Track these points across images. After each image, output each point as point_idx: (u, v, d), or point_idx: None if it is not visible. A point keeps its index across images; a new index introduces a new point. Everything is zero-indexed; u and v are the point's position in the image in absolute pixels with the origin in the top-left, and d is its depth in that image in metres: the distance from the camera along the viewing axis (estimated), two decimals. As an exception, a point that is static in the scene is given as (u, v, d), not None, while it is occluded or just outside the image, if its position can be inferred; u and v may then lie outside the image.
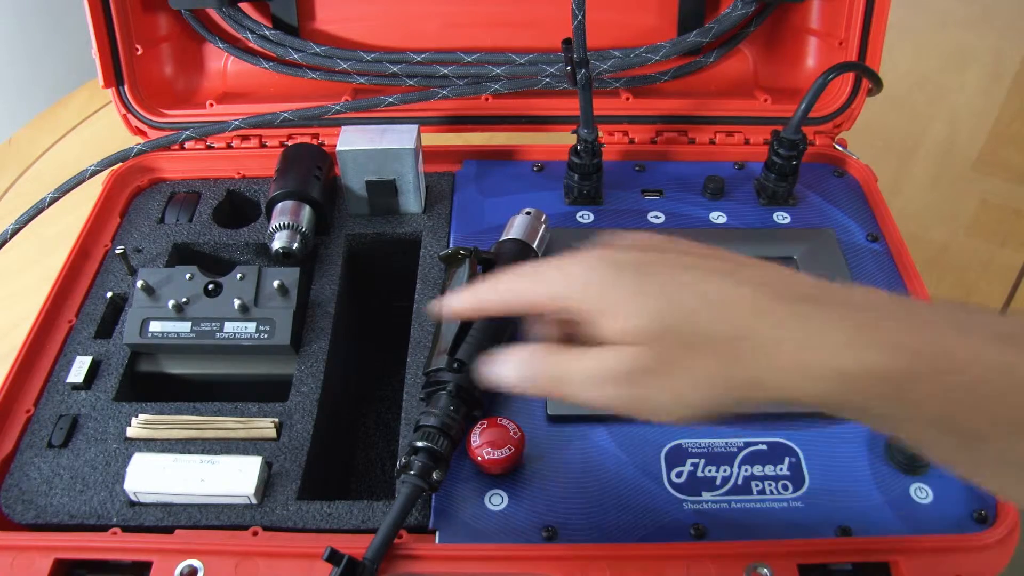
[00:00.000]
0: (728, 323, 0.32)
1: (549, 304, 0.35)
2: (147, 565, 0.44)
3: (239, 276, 0.56)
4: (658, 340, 0.32)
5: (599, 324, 0.33)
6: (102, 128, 1.00)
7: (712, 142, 0.71)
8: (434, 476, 0.45)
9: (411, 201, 0.64)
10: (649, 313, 0.32)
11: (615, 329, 0.33)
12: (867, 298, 0.32)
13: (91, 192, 0.67)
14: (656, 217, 0.64)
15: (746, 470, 0.48)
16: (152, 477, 0.48)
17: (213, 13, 0.73)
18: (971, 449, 0.31)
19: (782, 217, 0.64)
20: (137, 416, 0.52)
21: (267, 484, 0.49)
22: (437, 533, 0.46)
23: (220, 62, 0.76)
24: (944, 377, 0.29)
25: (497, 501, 0.47)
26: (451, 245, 0.62)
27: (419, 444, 0.46)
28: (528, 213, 0.59)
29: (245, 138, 0.72)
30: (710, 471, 0.48)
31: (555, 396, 0.35)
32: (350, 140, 0.62)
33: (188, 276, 0.56)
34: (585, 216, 0.64)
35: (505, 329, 0.52)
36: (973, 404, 0.29)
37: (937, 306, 0.32)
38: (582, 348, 0.34)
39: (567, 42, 0.56)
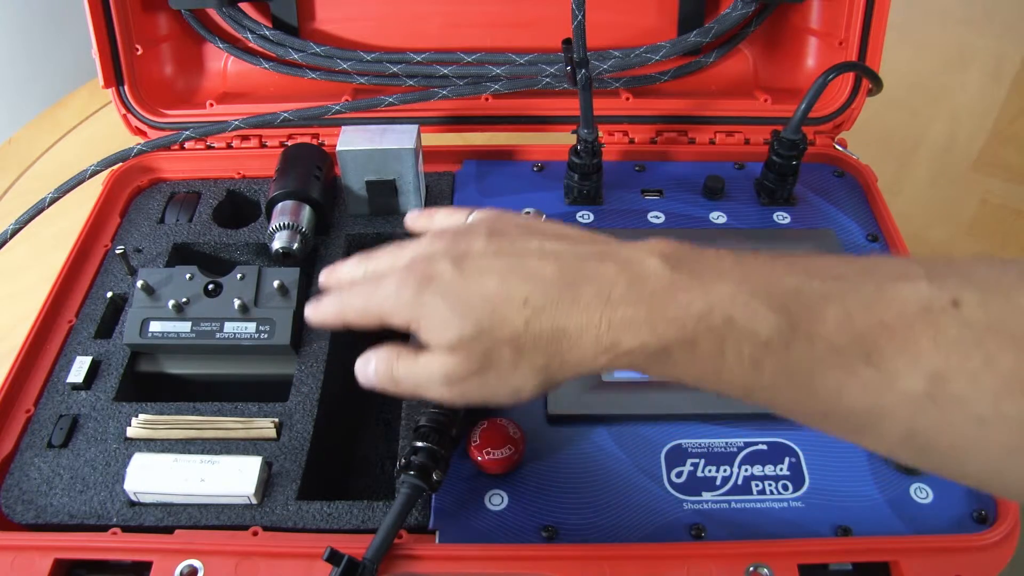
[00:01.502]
0: (545, 323, 0.36)
1: (379, 321, 0.39)
2: (147, 565, 0.44)
3: (239, 276, 0.56)
4: (471, 346, 0.37)
5: (418, 335, 0.38)
6: (102, 128, 1.00)
7: (712, 142, 0.71)
8: (434, 476, 0.45)
9: (411, 201, 0.64)
10: (457, 326, 0.37)
11: (430, 341, 0.38)
12: (660, 271, 0.36)
13: (91, 192, 0.67)
14: (656, 217, 0.64)
15: (746, 470, 0.48)
16: (152, 477, 0.48)
17: (213, 13, 0.73)
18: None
19: (782, 217, 0.64)
20: (137, 416, 0.52)
21: (267, 484, 0.49)
22: (437, 533, 0.46)
23: (220, 62, 0.76)
24: (688, 351, 0.35)
25: (497, 501, 0.47)
26: (451, 245, 0.62)
27: (419, 444, 0.46)
28: (528, 213, 0.59)
29: (245, 138, 0.72)
30: (710, 471, 0.48)
31: (405, 396, 0.40)
32: (350, 140, 0.62)
33: (188, 276, 0.56)
34: (585, 216, 0.64)
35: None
36: (714, 372, 0.35)
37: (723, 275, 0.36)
38: (420, 352, 0.39)
39: (567, 42, 0.56)
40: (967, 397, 0.30)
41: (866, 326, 0.32)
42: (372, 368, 0.41)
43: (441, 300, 0.37)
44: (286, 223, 0.59)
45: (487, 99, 0.71)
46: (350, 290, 0.41)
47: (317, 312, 0.43)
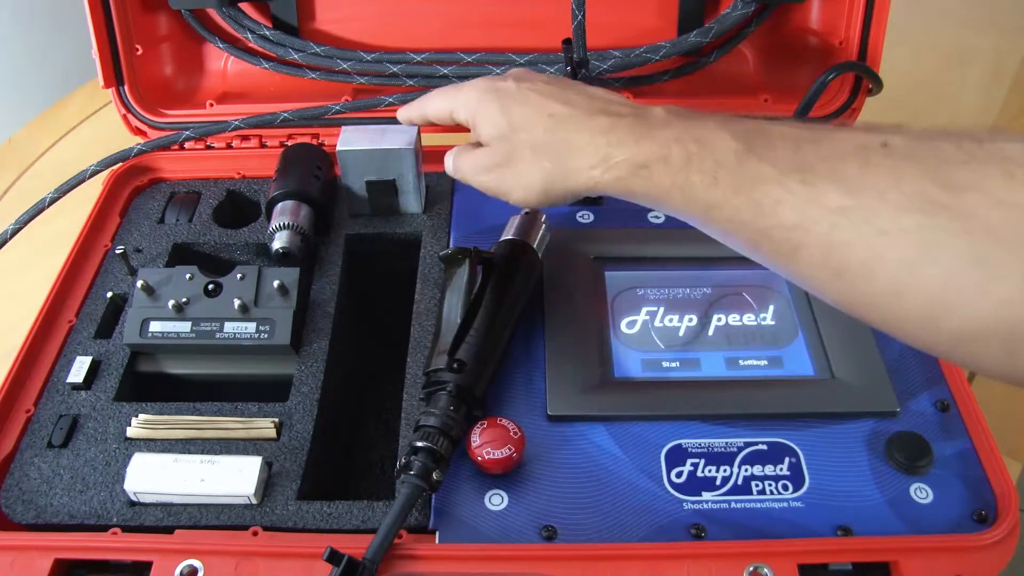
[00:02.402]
0: (559, 134, 0.46)
1: (453, 116, 0.52)
2: (147, 565, 0.44)
3: (239, 276, 0.56)
4: (504, 142, 0.48)
5: (475, 130, 0.51)
6: (102, 128, 0.99)
7: (712, 142, 0.71)
8: (434, 476, 0.45)
9: (411, 201, 0.64)
10: (498, 123, 0.48)
11: (480, 135, 0.50)
12: (662, 115, 0.44)
13: (91, 192, 0.67)
14: (656, 217, 0.64)
15: (746, 470, 0.48)
16: (152, 477, 0.48)
17: (213, 13, 0.73)
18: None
19: (782, 217, 0.64)
20: (137, 416, 0.52)
21: (267, 484, 0.49)
22: (437, 533, 0.46)
23: (220, 62, 0.76)
24: (663, 165, 0.42)
25: (497, 501, 0.47)
26: (451, 245, 0.62)
27: (419, 444, 0.46)
28: (527, 213, 0.59)
29: (245, 138, 0.72)
30: (710, 471, 0.48)
31: (465, 182, 0.52)
32: (350, 140, 0.62)
33: (188, 276, 0.56)
34: (585, 216, 0.64)
35: (504, 330, 0.52)
36: (680, 187, 0.42)
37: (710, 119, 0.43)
38: (473, 149, 0.51)
39: (567, 42, 0.56)
40: (873, 210, 0.35)
41: (808, 156, 0.38)
42: (451, 158, 0.53)
43: (495, 103, 0.49)
44: (286, 223, 0.59)
45: (487, 99, 0.71)
46: (435, 92, 0.54)
47: (405, 111, 0.57)
